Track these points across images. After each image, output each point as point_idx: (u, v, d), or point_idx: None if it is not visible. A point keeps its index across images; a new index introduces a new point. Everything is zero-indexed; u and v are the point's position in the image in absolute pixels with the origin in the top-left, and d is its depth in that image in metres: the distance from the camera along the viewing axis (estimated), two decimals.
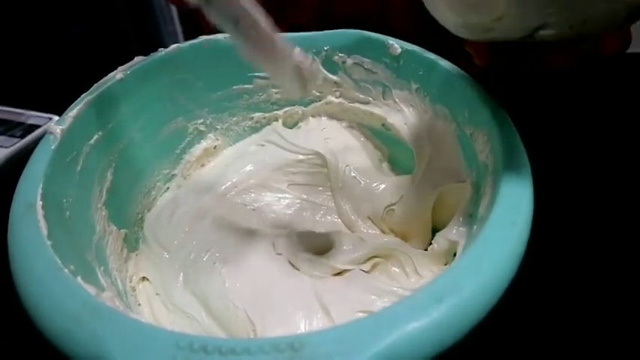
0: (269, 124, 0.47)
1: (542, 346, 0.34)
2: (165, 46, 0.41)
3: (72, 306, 0.22)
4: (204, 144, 0.46)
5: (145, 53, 0.40)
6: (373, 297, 0.32)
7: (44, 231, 0.25)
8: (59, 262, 0.24)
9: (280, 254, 0.35)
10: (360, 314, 0.31)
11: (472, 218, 0.31)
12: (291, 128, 0.48)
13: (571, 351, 0.34)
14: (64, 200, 0.30)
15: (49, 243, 0.25)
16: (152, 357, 0.20)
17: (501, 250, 0.24)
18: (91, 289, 0.23)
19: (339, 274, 0.35)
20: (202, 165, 0.46)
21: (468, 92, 0.34)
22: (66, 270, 0.24)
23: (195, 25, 0.63)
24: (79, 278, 0.24)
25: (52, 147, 0.31)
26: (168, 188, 0.44)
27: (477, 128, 0.33)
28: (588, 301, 0.36)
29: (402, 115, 0.42)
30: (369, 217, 0.41)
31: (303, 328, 0.31)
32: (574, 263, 0.38)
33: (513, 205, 0.26)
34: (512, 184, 0.27)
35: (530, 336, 0.34)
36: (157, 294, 0.35)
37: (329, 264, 0.35)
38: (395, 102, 0.42)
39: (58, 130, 0.32)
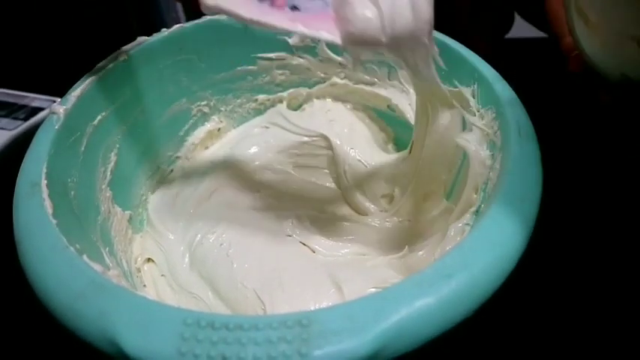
0: (273, 106, 0.47)
1: (548, 324, 0.34)
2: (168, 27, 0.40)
3: (78, 284, 0.22)
4: (207, 126, 0.45)
5: (148, 35, 0.39)
6: (387, 275, 0.32)
7: (49, 210, 0.25)
8: (65, 240, 0.24)
9: (290, 236, 0.35)
10: (374, 290, 0.31)
11: (483, 194, 0.31)
12: (295, 110, 0.47)
13: (577, 331, 0.34)
14: (69, 180, 0.30)
15: (54, 222, 0.25)
16: (159, 334, 0.20)
17: (511, 227, 0.23)
18: (97, 267, 0.23)
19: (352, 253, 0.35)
20: (206, 147, 0.46)
21: (475, 71, 0.34)
22: (72, 248, 0.24)
23: (198, 12, 0.63)
24: (84, 256, 0.24)
25: (56, 127, 0.30)
26: (172, 170, 0.43)
27: (485, 107, 0.33)
28: (596, 284, 0.36)
29: (407, 96, 0.41)
30: (375, 198, 0.41)
31: (313, 306, 0.31)
32: (581, 245, 0.38)
33: (522, 182, 0.26)
34: (520, 161, 0.27)
35: (537, 314, 0.34)
36: (162, 275, 0.35)
37: (340, 245, 0.35)
38: (400, 82, 0.41)
39: (62, 110, 0.31)
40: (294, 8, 0.33)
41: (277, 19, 0.28)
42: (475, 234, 0.23)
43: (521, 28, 0.61)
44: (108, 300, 0.21)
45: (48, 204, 0.26)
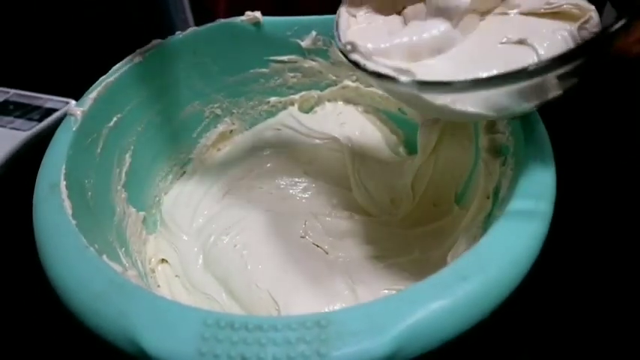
0: (285, 109, 0.47)
1: (563, 326, 0.34)
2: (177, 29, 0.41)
3: (99, 284, 0.22)
4: (220, 128, 0.46)
5: (159, 37, 0.39)
6: (399, 276, 0.32)
7: (69, 210, 0.26)
8: (84, 240, 0.24)
9: (303, 237, 0.35)
10: (387, 292, 0.31)
11: (495, 199, 0.31)
12: (307, 113, 0.48)
13: (592, 333, 0.34)
14: (86, 181, 0.31)
15: (74, 222, 0.25)
16: (180, 334, 0.20)
17: (526, 229, 0.24)
18: (117, 267, 0.24)
19: (365, 255, 0.36)
20: (218, 149, 0.46)
21: None
22: (91, 248, 0.24)
23: (207, 12, 0.63)
24: (104, 257, 0.24)
25: (73, 129, 0.31)
26: (184, 172, 0.44)
27: None
28: (612, 286, 0.36)
29: None
30: (387, 200, 0.41)
31: (327, 307, 0.31)
32: (596, 246, 0.38)
33: (536, 184, 0.26)
34: (534, 164, 0.27)
35: (553, 315, 0.34)
36: (176, 276, 0.36)
37: (353, 246, 0.35)
38: None
39: (79, 112, 0.32)
40: None
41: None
42: (490, 237, 0.24)
43: None
44: (128, 300, 0.22)
45: (67, 204, 0.26)
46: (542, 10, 0.27)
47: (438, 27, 0.27)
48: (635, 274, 0.36)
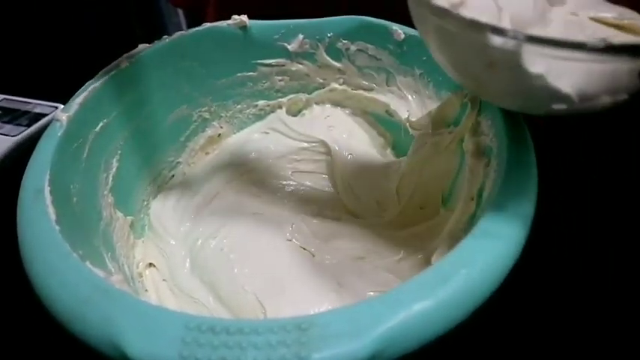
0: (273, 112, 0.48)
1: (546, 325, 0.34)
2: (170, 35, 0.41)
3: (82, 289, 0.22)
4: (208, 132, 0.46)
5: (150, 41, 0.40)
6: (386, 278, 0.32)
7: (53, 216, 0.26)
8: (68, 246, 0.24)
9: (290, 240, 0.35)
10: (373, 294, 0.31)
11: (479, 200, 0.31)
12: (295, 116, 0.48)
13: (574, 332, 0.34)
14: (71, 186, 0.31)
15: (57, 228, 0.25)
16: (162, 338, 0.20)
17: (507, 230, 0.24)
18: (100, 273, 0.24)
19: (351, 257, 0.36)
20: (207, 153, 0.46)
21: None
22: (75, 254, 0.24)
23: (200, 16, 0.63)
24: (87, 262, 0.24)
25: (59, 134, 0.31)
26: (173, 176, 0.44)
27: (483, 112, 0.33)
28: (593, 286, 0.36)
29: (405, 102, 0.42)
30: (374, 203, 0.41)
31: (314, 310, 0.31)
32: (577, 246, 0.38)
33: (518, 186, 0.26)
34: (516, 166, 0.27)
35: (535, 315, 0.35)
36: (163, 280, 0.36)
37: (340, 249, 0.35)
38: (399, 88, 0.42)
39: (64, 117, 0.32)
40: None
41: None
42: (472, 238, 0.24)
43: None
44: (111, 305, 0.22)
45: (51, 210, 0.26)
46: (611, 20, 0.26)
47: None
48: (617, 272, 0.36)
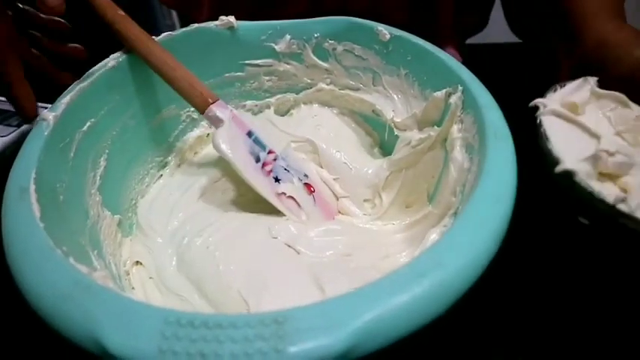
0: (261, 112, 0.48)
1: (521, 321, 0.35)
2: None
3: (64, 285, 0.23)
4: (197, 132, 0.46)
5: None
6: (370, 276, 0.33)
7: (37, 214, 0.26)
8: (51, 242, 0.25)
9: (275, 238, 0.36)
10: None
11: (461, 197, 0.32)
12: (283, 116, 0.48)
13: (550, 328, 0.34)
14: (58, 185, 0.31)
15: (41, 225, 0.25)
16: (142, 332, 0.20)
17: (485, 227, 0.24)
18: (83, 269, 0.24)
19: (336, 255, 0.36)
20: (195, 152, 0.47)
21: (456, 77, 0.35)
22: (58, 250, 0.24)
23: (192, 17, 0.64)
24: (71, 259, 0.24)
25: (45, 133, 0.31)
26: (161, 175, 0.44)
27: (465, 111, 0.33)
28: (569, 283, 0.36)
29: (391, 102, 0.42)
30: (360, 202, 0.42)
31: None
32: (555, 243, 0.38)
33: (497, 184, 0.26)
34: (496, 163, 0.27)
35: (510, 312, 0.35)
36: (150, 278, 0.36)
37: (325, 246, 0.36)
38: (384, 88, 0.42)
39: (51, 117, 0.32)
40: (277, 180, 0.40)
41: (265, 190, 0.38)
42: (450, 235, 0.24)
43: (497, 34, 0.62)
44: (93, 300, 0.22)
45: (36, 208, 0.26)
46: None
47: None
48: (595, 268, 0.37)
